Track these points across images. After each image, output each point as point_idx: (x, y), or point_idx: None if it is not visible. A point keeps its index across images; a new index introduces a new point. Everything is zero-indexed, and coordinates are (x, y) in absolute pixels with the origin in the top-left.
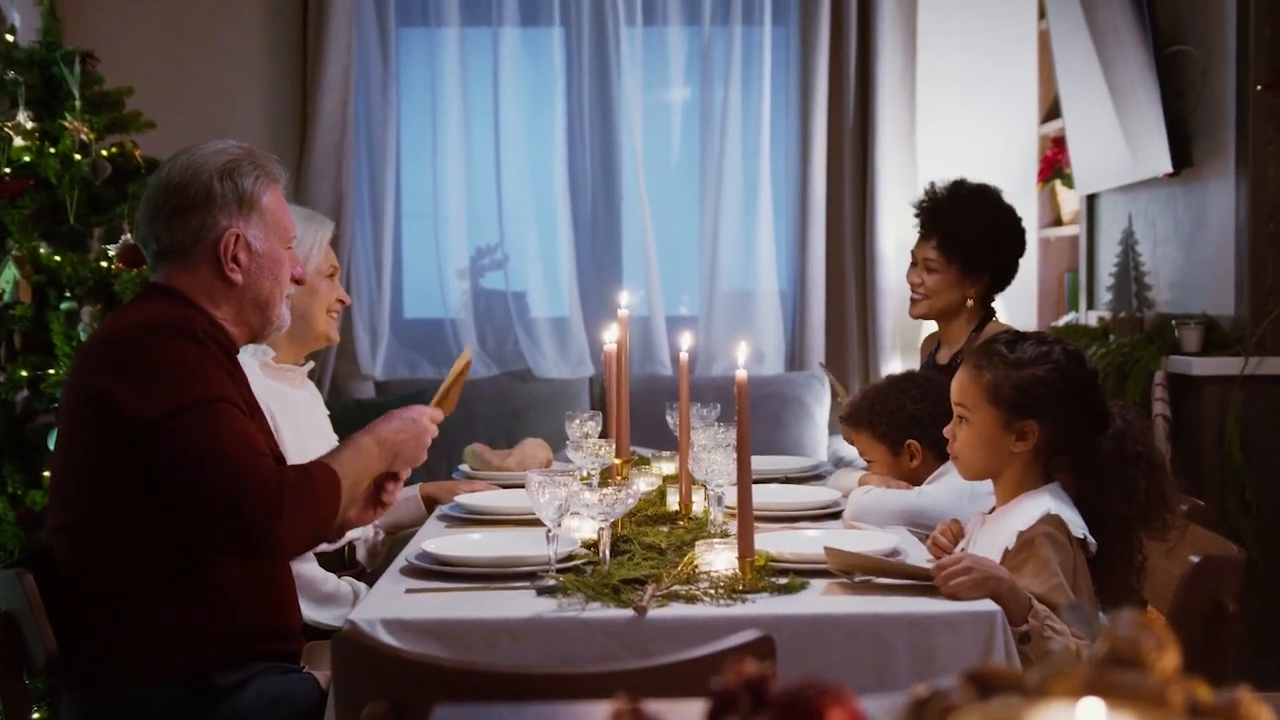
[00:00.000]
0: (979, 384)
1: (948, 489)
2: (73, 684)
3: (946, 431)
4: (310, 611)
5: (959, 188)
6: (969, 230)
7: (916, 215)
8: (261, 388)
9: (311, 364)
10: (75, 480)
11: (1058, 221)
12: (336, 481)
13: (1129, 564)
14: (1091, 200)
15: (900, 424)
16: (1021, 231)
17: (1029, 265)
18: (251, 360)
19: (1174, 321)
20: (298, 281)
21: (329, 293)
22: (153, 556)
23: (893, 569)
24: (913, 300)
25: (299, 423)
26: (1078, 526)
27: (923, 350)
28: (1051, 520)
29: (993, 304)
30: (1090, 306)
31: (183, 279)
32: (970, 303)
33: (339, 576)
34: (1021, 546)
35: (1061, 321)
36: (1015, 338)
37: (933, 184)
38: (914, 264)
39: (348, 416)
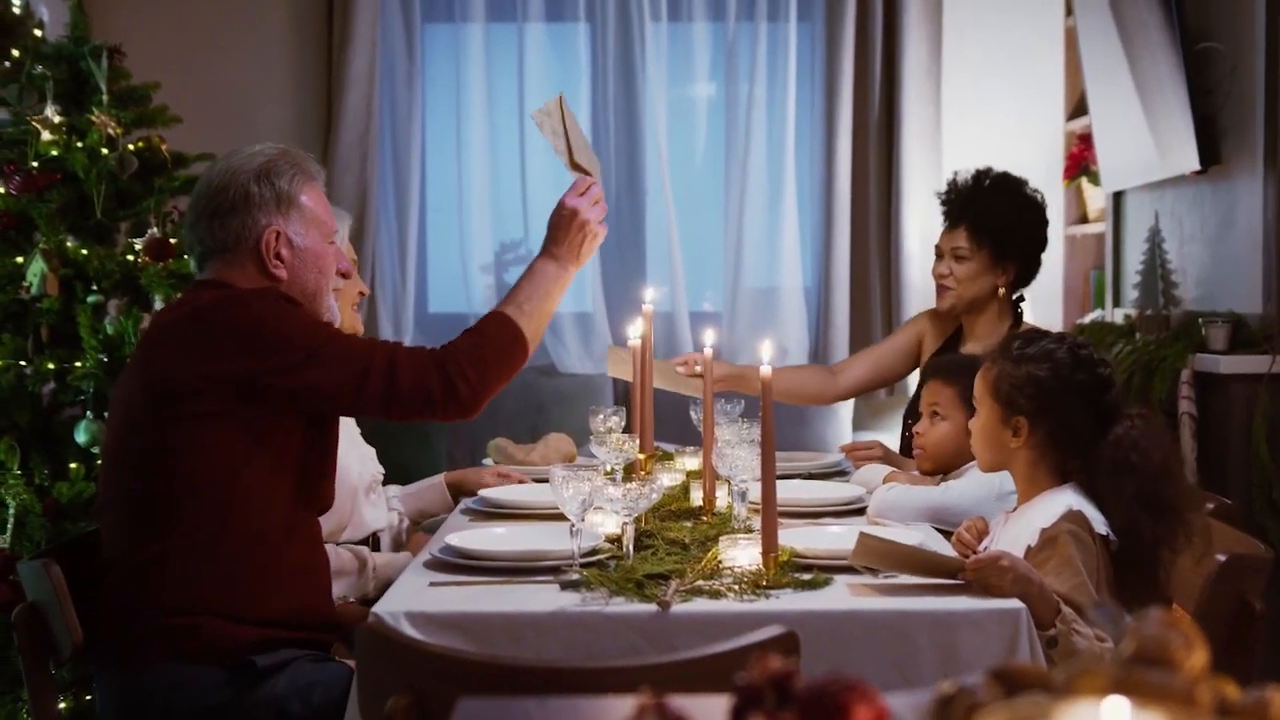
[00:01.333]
0: (986, 378)
1: (974, 486)
2: (108, 663)
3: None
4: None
5: (983, 175)
6: (998, 214)
7: (943, 206)
8: None
9: None
10: (135, 456)
11: (1084, 219)
12: (510, 325)
13: (1151, 562)
14: (1118, 197)
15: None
16: (1046, 222)
17: (1055, 262)
18: None
19: (1201, 319)
20: (344, 275)
21: (351, 286)
22: (212, 534)
23: (924, 559)
24: (940, 292)
25: None
26: (1100, 523)
27: (926, 329)
28: (1074, 517)
29: (1021, 304)
30: (1116, 304)
31: (230, 274)
32: (1001, 291)
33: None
34: (1044, 544)
35: (1087, 319)
36: (1034, 335)
37: (955, 174)
38: (940, 257)
39: None
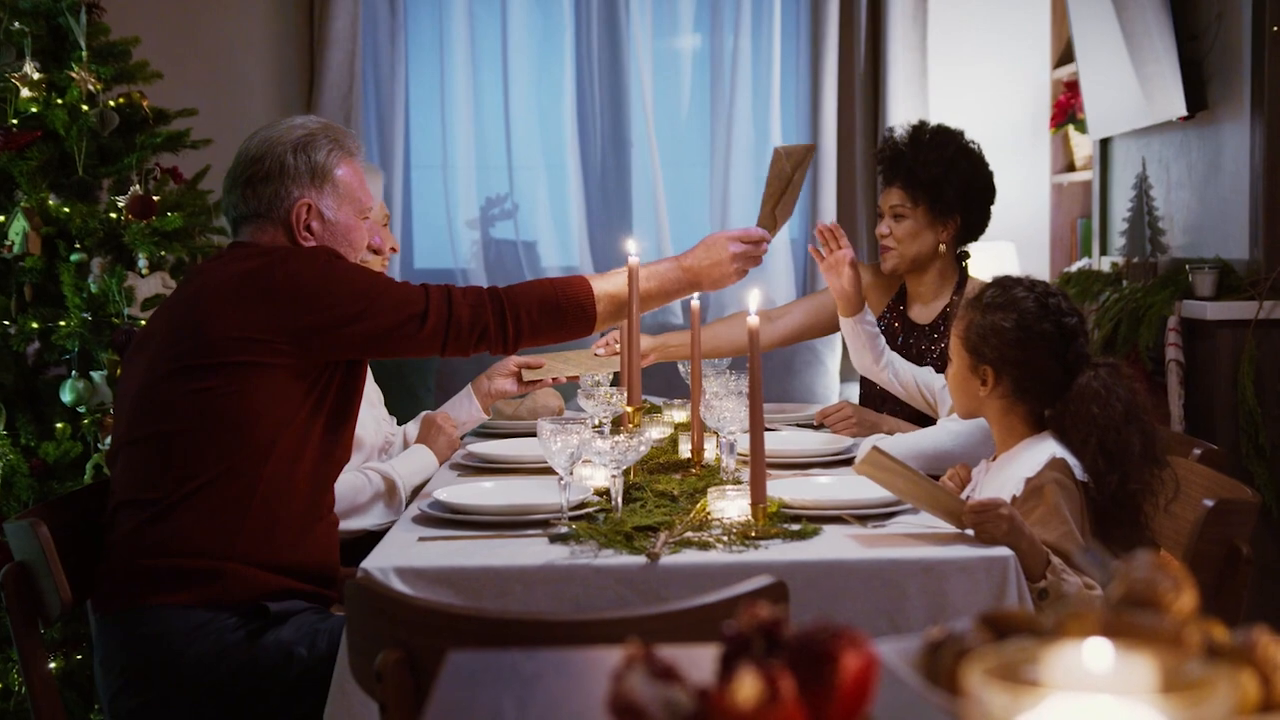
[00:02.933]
0: (958, 327)
1: (976, 430)
2: (116, 605)
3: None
4: (359, 521)
5: (919, 131)
6: (931, 167)
7: (878, 165)
8: None
9: None
10: (173, 398)
11: (1071, 167)
12: (587, 295)
13: (1130, 509)
14: (1105, 145)
15: (992, 343)
16: (989, 174)
17: (1041, 210)
18: None
19: (1188, 266)
20: (375, 251)
21: (384, 241)
22: (238, 482)
23: (927, 490)
24: (883, 252)
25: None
26: (1081, 470)
27: (868, 288)
28: (1058, 465)
29: (966, 261)
30: (1104, 252)
31: (263, 239)
32: (943, 248)
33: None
34: (1030, 493)
35: (1074, 267)
36: (1008, 282)
37: (891, 130)
38: (880, 216)
39: None
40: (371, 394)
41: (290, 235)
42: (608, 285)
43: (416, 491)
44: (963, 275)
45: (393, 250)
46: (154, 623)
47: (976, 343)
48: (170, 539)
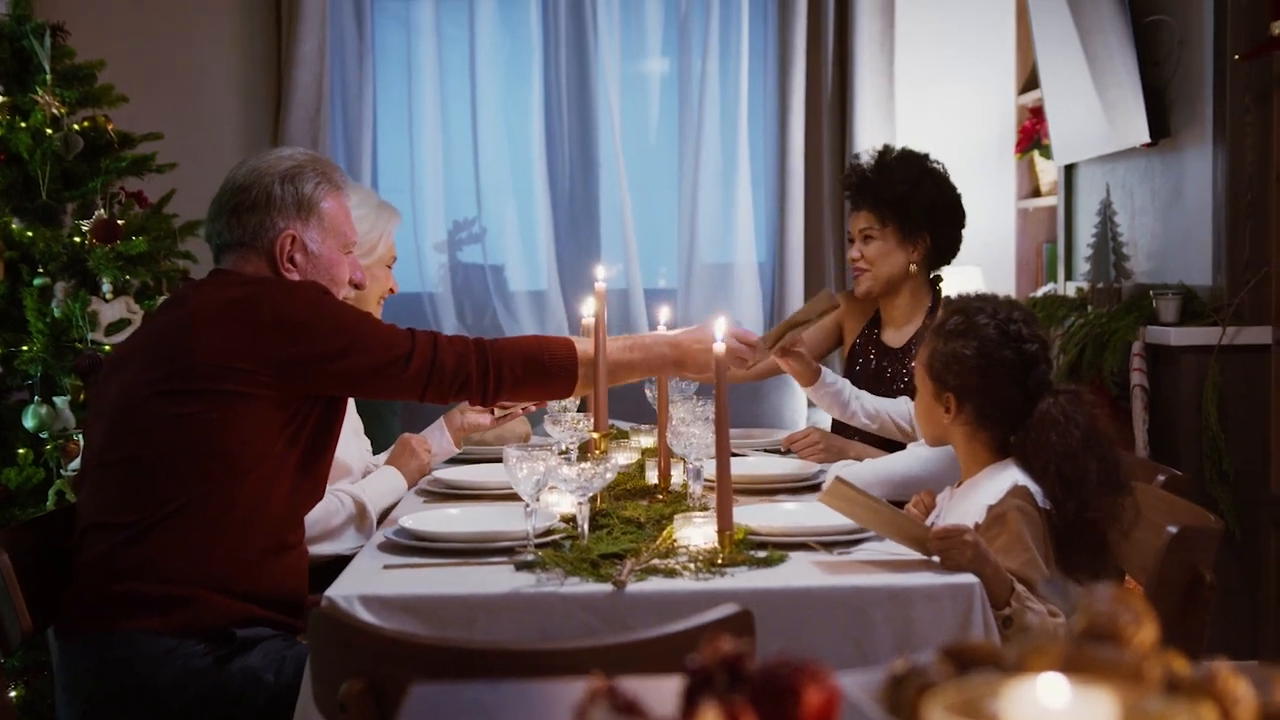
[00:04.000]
0: (922, 355)
1: (944, 456)
2: (83, 629)
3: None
4: (331, 546)
5: (885, 154)
6: (896, 188)
7: (846, 190)
8: None
9: None
10: (149, 422)
11: (1036, 192)
12: (570, 357)
13: (1090, 535)
14: (1070, 170)
15: (954, 371)
16: (956, 195)
17: (1007, 235)
18: None
19: (1152, 292)
20: (356, 286)
21: (385, 281)
22: (209, 509)
23: (891, 518)
24: (856, 276)
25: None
26: (1043, 497)
27: (845, 314)
28: (1020, 492)
29: (940, 284)
30: (1069, 277)
31: (246, 268)
32: (914, 268)
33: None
34: (993, 521)
35: (1040, 292)
36: (968, 308)
37: (856, 156)
38: (851, 241)
39: None
40: (355, 422)
41: (273, 266)
42: (591, 349)
43: (383, 515)
44: (936, 299)
45: (391, 292)
46: (122, 648)
47: (939, 370)
48: (142, 563)
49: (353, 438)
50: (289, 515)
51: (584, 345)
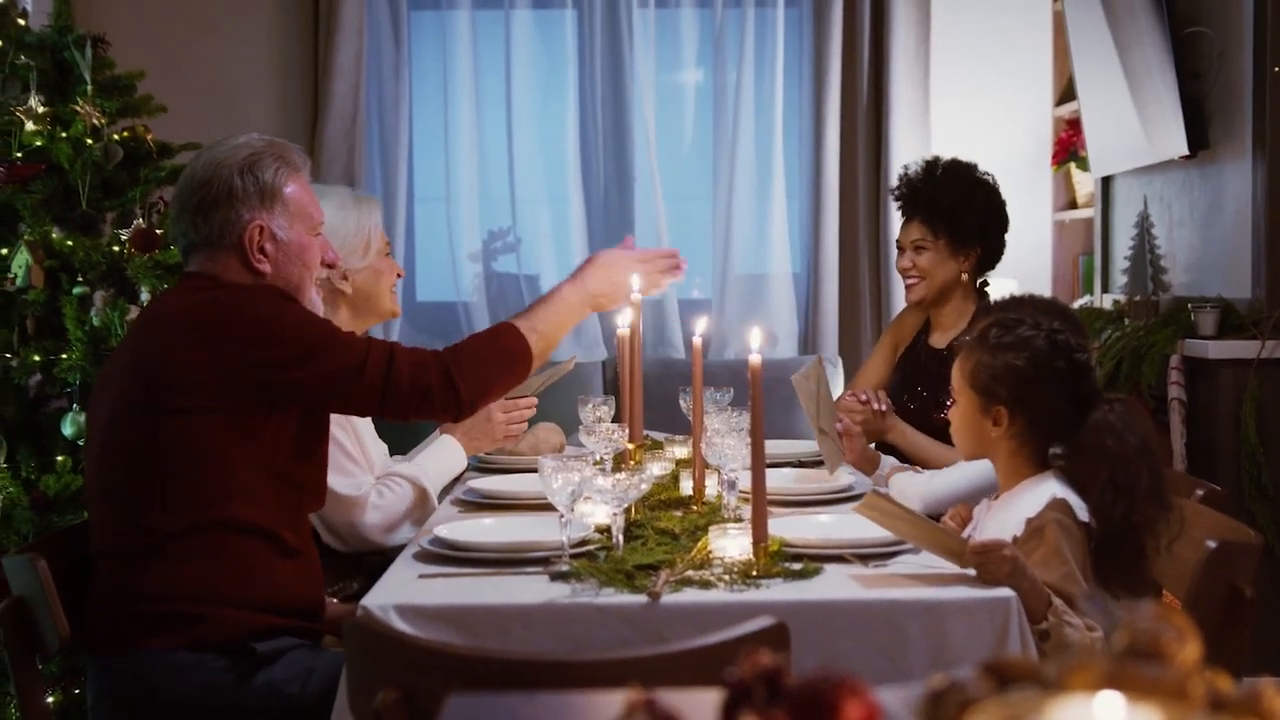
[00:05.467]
0: (963, 368)
1: (987, 471)
2: (103, 651)
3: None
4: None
5: (933, 166)
6: (950, 200)
7: (896, 200)
8: None
9: None
10: (135, 448)
11: (1073, 204)
12: (520, 340)
13: (1132, 549)
14: (1106, 183)
15: (1006, 383)
16: (1002, 203)
17: (1043, 247)
18: None
19: (1190, 305)
20: (329, 265)
21: (390, 270)
22: (208, 523)
23: (928, 531)
24: (908, 287)
25: None
26: (1083, 510)
27: (898, 333)
28: (1059, 505)
29: (986, 288)
30: (1105, 290)
31: (215, 268)
32: (964, 277)
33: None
34: (1031, 534)
35: (1076, 305)
36: (1011, 322)
37: (906, 168)
38: (901, 250)
39: None
40: (368, 426)
41: (243, 259)
42: (534, 323)
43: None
44: (983, 303)
45: (399, 276)
46: (139, 666)
47: (987, 383)
48: (146, 586)
49: (370, 440)
50: (288, 524)
51: (523, 322)
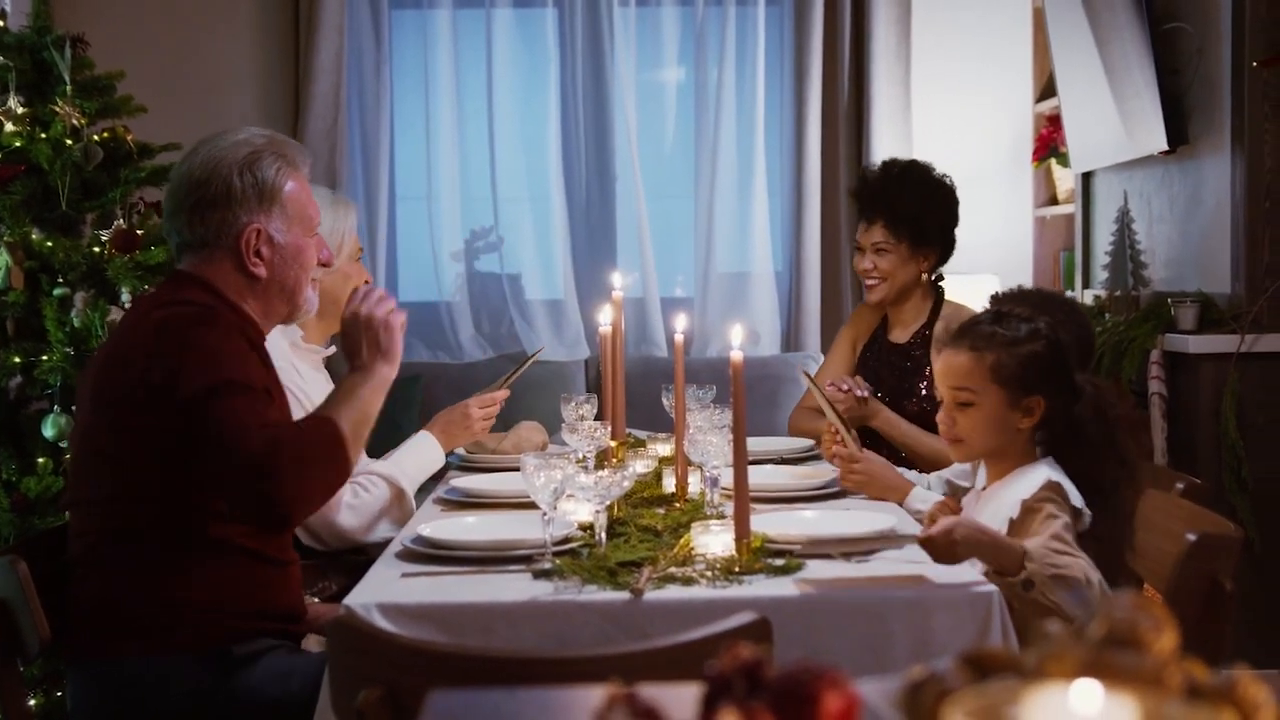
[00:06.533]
0: (983, 365)
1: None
2: (82, 656)
3: (943, 417)
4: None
5: (891, 168)
6: (911, 204)
7: (857, 202)
8: (290, 367)
9: (334, 348)
10: (106, 454)
11: (1053, 200)
12: (336, 431)
13: (1120, 537)
14: (1087, 178)
15: (1039, 370)
16: (956, 200)
17: (1024, 243)
18: (282, 340)
19: (1170, 299)
20: (324, 264)
21: (358, 275)
22: (180, 529)
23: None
24: (869, 287)
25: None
26: (1076, 496)
27: (855, 329)
28: (1053, 487)
29: (941, 284)
30: (1086, 285)
31: (208, 270)
32: (924, 276)
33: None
34: (1026, 514)
35: None
36: (1015, 314)
37: (863, 170)
38: (861, 252)
39: None
40: None
41: (238, 262)
42: (344, 422)
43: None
44: (938, 298)
45: (367, 283)
46: (118, 674)
47: (1020, 374)
48: (122, 592)
49: None
50: (253, 534)
51: (340, 417)
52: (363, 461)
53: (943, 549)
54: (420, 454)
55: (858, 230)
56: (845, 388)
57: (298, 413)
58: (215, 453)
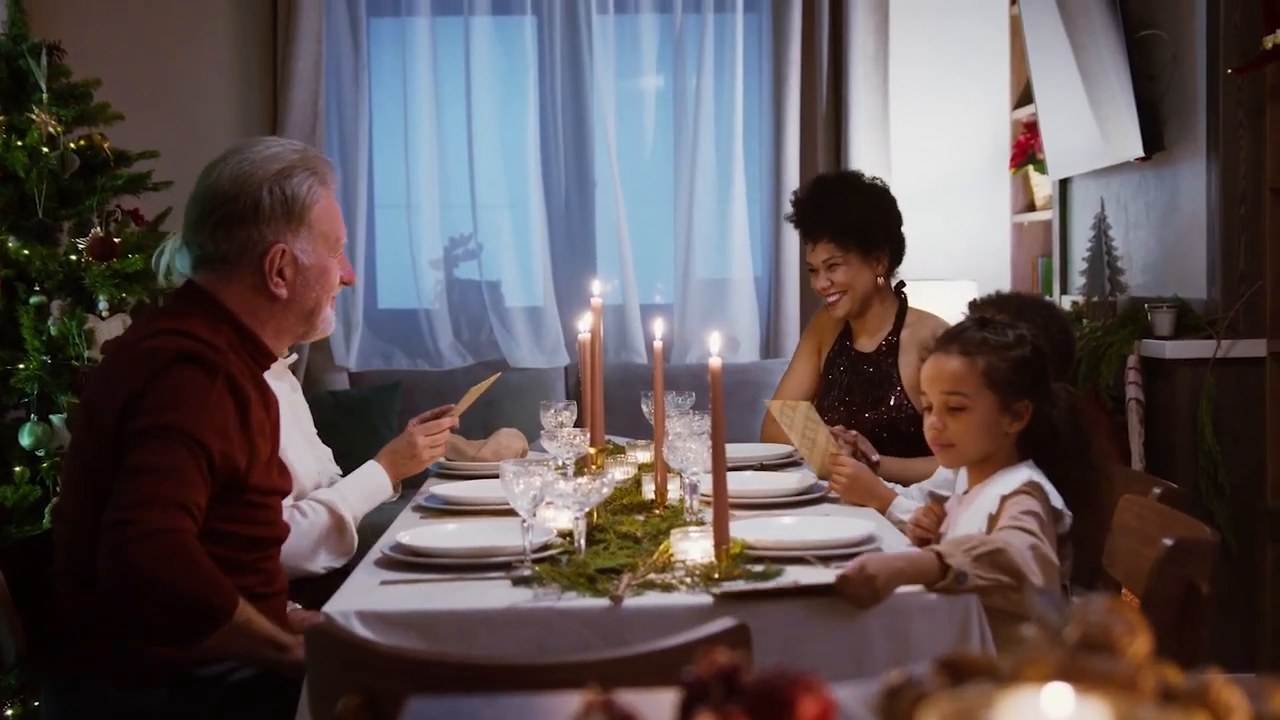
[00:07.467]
0: (975, 370)
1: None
2: (54, 677)
3: (933, 422)
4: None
5: (821, 183)
6: (852, 213)
7: (796, 225)
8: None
9: (294, 356)
10: (90, 470)
11: (1031, 206)
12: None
13: (1096, 538)
14: (1064, 185)
15: (1027, 374)
16: (894, 200)
17: (1002, 249)
18: None
19: (1147, 305)
20: (346, 283)
21: (342, 269)
22: None
23: (792, 593)
24: (831, 304)
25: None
26: (1056, 498)
27: (818, 336)
28: (1033, 487)
29: (904, 289)
30: (1064, 291)
31: (224, 290)
32: (880, 280)
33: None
34: (1003, 507)
35: None
36: (998, 320)
37: (795, 192)
38: (815, 272)
39: (323, 408)
40: (307, 429)
41: (259, 281)
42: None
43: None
44: (902, 306)
45: (345, 283)
46: (81, 698)
47: (1012, 378)
48: (100, 621)
49: (306, 447)
50: (237, 567)
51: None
52: (305, 487)
53: (860, 586)
54: (366, 483)
55: (805, 253)
56: (852, 437)
57: (294, 435)
58: (112, 499)
